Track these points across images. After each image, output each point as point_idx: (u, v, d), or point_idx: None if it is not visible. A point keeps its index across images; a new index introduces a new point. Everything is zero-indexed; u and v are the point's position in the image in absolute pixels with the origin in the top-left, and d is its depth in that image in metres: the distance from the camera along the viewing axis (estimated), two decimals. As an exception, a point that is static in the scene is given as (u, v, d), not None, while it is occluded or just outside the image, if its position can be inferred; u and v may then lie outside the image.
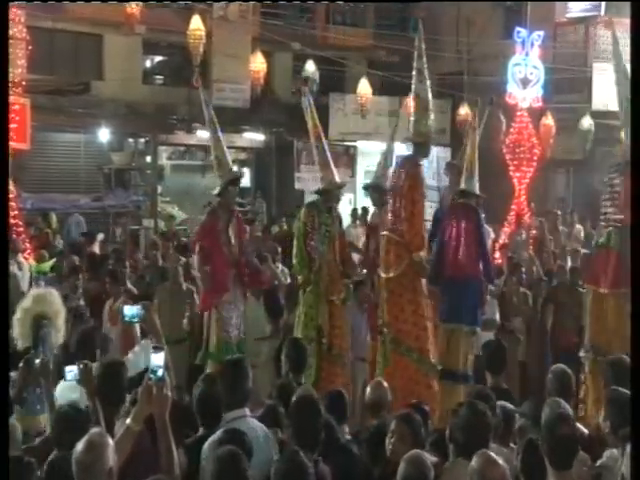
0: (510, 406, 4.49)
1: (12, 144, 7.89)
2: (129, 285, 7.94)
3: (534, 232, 11.22)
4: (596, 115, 14.78)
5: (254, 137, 17.23)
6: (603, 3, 15.96)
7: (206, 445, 3.61)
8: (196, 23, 12.91)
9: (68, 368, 3.95)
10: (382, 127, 15.57)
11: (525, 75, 11.83)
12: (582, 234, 12.38)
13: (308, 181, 15.58)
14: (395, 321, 5.86)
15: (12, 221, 9.10)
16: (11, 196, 9.18)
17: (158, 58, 18.17)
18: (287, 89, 18.07)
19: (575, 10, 16.36)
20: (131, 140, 16.98)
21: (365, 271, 7.26)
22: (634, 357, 4.10)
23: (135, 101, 15.56)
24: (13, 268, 8.14)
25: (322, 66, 16.26)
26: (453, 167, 7.52)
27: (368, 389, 4.71)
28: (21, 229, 10.31)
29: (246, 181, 16.92)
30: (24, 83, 10.47)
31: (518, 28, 12.28)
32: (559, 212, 12.47)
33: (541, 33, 12.07)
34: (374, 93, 15.91)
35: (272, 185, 17.88)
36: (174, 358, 4.59)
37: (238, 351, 6.15)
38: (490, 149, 8.09)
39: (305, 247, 6.43)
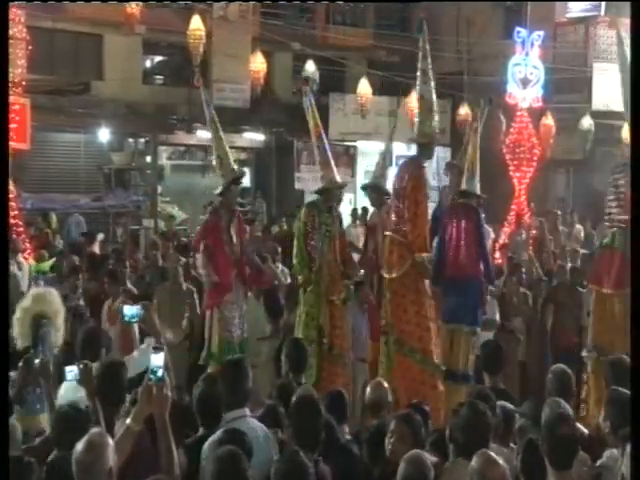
0: (510, 406, 4.49)
1: (12, 144, 7.88)
2: (129, 285, 7.94)
3: (534, 232, 11.22)
4: (596, 115, 14.79)
5: (254, 137, 17.23)
6: (603, 3, 15.96)
7: (206, 445, 3.61)
8: (196, 23, 12.90)
9: (68, 368, 3.95)
10: (382, 127, 15.57)
11: (525, 75, 11.82)
12: (582, 234, 12.38)
13: (308, 181, 15.58)
14: (398, 322, 5.86)
15: (12, 221, 9.09)
16: (11, 196, 9.17)
17: (158, 58, 18.17)
18: (287, 89, 18.07)
19: (575, 10, 16.36)
20: (131, 140, 16.97)
21: (363, 271, 7.24)
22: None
23: (135, 101, 15.55)
24: (13, 268, 8.13)
25: (322, 66, 16.25)
26: (453, 167, 7.51)
27: (368, 389, 4.71)
28: (21, 229, 10.30)
29: (246, 181, 16.91)
30: (24, 83, 10.46)
31: (518, 28, 12.27)
32: (559, 212, 12.47)
33: (541, 33, 12.07)
34: (374, 93, 15.90)
35: (272, 185, 17.88)
36: (174, 358, 4.59)
37: (240, 351, 6.15)
38: (490, 149, 8.08)
39: (305, 247, 6.42)
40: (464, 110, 15.45)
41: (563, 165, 15.99)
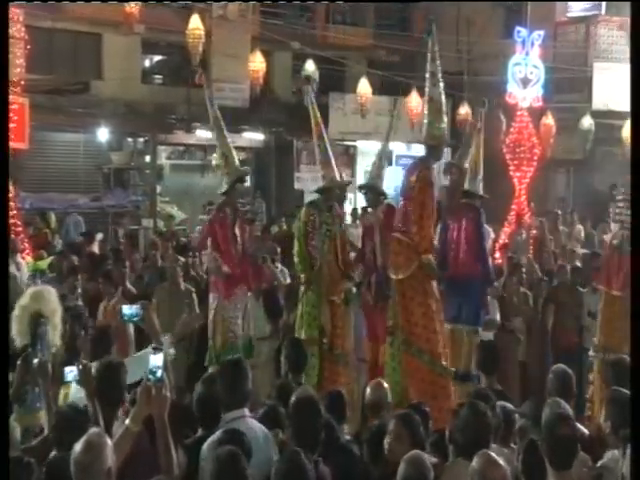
0: (510, 406, 4.48)
1: (11, 144, 7.84)
2: (128, 285, 7.92)
3: (534, 232, 11.20)
4: (596, 115, 14.78)
5: (253, 137, 17.20)
6: (603, 3, 15.96)
7: (205, 445, 3.60)
8: (195, 22, 12.87)
9: (68, 368, 3.96)
10: (382, 127, 15.49)
11: (525, 75, 11.80)
12: (582, 234, 12.36)
13: (308, 181, 15.57)
14: (406, 324, 5.86)
15: (10, 221, 9.07)
16: (10, 195, 9.15)
17: (157, 57, 18.15)
18: (287, 89, 18.06)
19: (575, 9, 16.36)
20: (130, 140, 16.95)
21: (362, 272, 7.21)
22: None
23: (134, 100, 15.53)
24: (11, 268, 8.10)
25: (322, 65, 16.23)
26: (453, 167, 7.50)
27: (368, 389, 4.70)
28: (20, 229, 10.30)
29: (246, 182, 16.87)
30: (23, 82, 10.47)
31: (518, 27, 12.24)
32: (559, 212, 12.45)
33: (541, 32, 12.04)
34: (374, 93, 15.89)
35: (272, 185, 17.86)
36: (172, 358, 4.58)
37: (244, 351, 6.13)
38: (490, 149, 8.08)
39: (306, 247, 6.41)
40: (464, 110, 15.44)
41: (563, 165, 15.98)
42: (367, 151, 17.23)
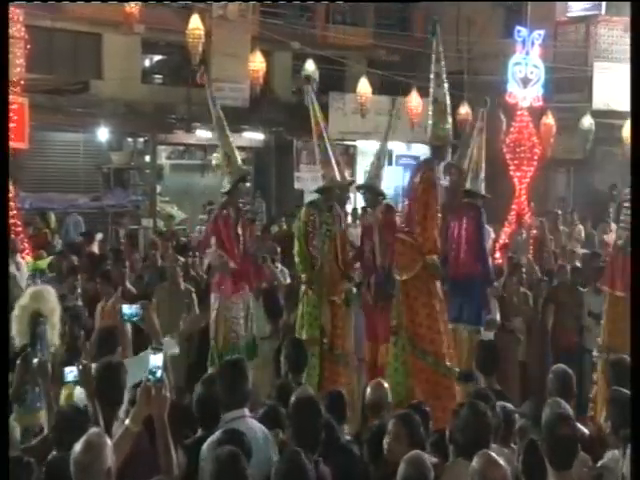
0: (510, 406, 4.47)
1: (10, 143, 7.84)
2: (128, 285, 7.91)
3: (534, 232, 11.20)
4: (597, 114, 14.76)
5: (253, 136, 17.20)
6: (604, 2, 15.94)
7: (205, 445, 3.60)
8: (195, 22, 12.86)
9: (68, 369, 3.95)
10: (382, 126, 15.39)
11: (525, 74, 11.79)
12: (582, 234, 12.35)
13: (308, 181, 15.56)
14: (410, 324, 5.86)
15: (10, 221, 9.06)
16: (10, 195, 9.14)
17: (157, 57, 18.14)
18: (287, 88, 18.05)
19: (576, 9, 16.34)
20: (130, 139, 16.94)
21: (361, 272, 7.21)
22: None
23: (134, 100, 15.52)
24: (11, 268, 8.10)
25: (322, 65, 16.23)
26: (452, 168, 7.50)
27: (368, 390, 4.70)
28: (19, 229, 10.29)
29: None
30: (23, 82, 10.46)
31: (518, 27, 12.23)
32: (559, 212, 12.44)
33: (541, 32, 12.03)
34: (374, 92, 15.89)
35: (271, 185, 17.86)
36: (172, 358, 4.57)
37: (248, 352, 6.12)
38: (490, 149, 8.09)
39: (307, 247, 6.41)
40: (464, 109, 15.43)
41: (564, 164, 15.96)
42: (367, 151, 17.21)
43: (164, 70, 17.85)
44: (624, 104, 9.09)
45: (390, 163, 17.83)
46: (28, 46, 10.58)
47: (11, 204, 9.58)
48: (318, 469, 3.52)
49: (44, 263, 9.18)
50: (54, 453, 3.59)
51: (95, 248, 10.69)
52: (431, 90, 6.09)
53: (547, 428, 3.46)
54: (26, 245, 10.21)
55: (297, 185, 16.87)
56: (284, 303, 7.22)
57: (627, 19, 11.29)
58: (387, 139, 7.31)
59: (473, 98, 13.66)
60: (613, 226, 12.38)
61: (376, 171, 7.05)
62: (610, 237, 11.84)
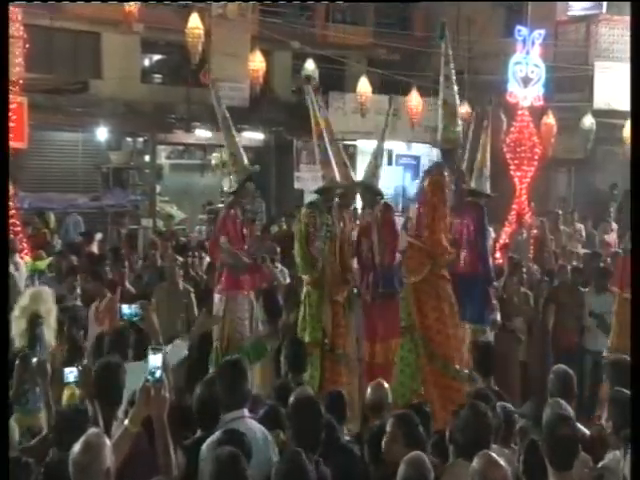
0: (511, 407, 4.46)
1: (10, 143, 7.83)
2: (127, 285, 7.90)
3: (535, 232, 11.18)
4: (597, 114, 14.74)
5: (253, 136, 17.18)
6: (604, 2, 15.93)
7: (205, 446, 3.59)
8: (195, 21, 12.84)
9: (68, 369, 3.96)
10: (382, 126, 15.49)
11: (526, 74, 11.77)
12: (583, 233, 12.34)
13: (308, 181, 15.54)
14: (421, 327, 5.84)
15: (9, 220, 9.05)
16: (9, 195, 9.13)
17: (157, 57, 18.12)
18: (286, 88, 18.04)
19: (576, 8, 16.33)
20: (129, 139, 16.93)
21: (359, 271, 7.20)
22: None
23: (133, 100, 15.51)
24: (10, 268, 8.08)
25: (322, 65, 16.21)
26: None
27: (368, 390, 4.69)
28: (18, 229, 10.28)
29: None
30: (22, 82, 10.44)
31: (519, 26, 12.22)
32: (560, 212, 12.42)
33: (542, 31, 12.02)
34: (374, 92, 15.86)
35: (271, 184, 17.84)
36: (172, 358, 4.55)
37: (255, 352, 6.10)
38: (491, 148, 8.11)
39: (308, 248, 6.39)
40: (464, 109, 15.39)
41: (564, 164, 15.94)
42: (367, 151, 17.16)
43: (163, 69, 17.84)
44: (625, 103, 9.06)
45: (390, 163, 17.82)
46: (27, 45, 10.57)
47: (10, 204, 9.56)
48: (318, 469, 3.51)
49: (43, 264, 9.16)
50: (53, 453, 3.58)
51: (94, 248, 10.67)
52: (440, 93, 6.07)
53: (547, 428, 3.46)
54: (25, 245, 10.20)
55: (297, 185, 16.85)
56: (284, 303, 7.20)
57: (628, 18, 11.25)
58: (384, 138, 7.31)
59: (473, 97, 13.62)
60: (614, 226, 12.38)
61: (373, 170, 7.05)
62: (611, 237, 11.84)
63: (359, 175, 7.24)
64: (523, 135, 11.73)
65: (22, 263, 9.17)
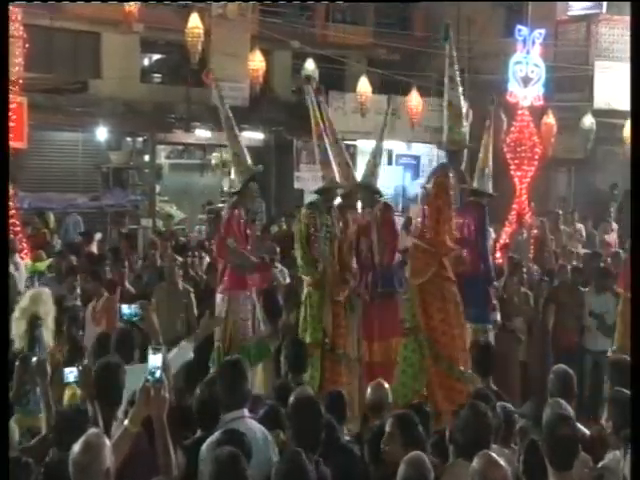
0: (511, 407, 4.45)
1: (9, 143, 7.83)
2: (127, 285, 7.89)
3: (535, 232, 11.18)
4: (598, 114, 14.73)
5: (253, 136, 17.16)
6: (604, 1, 15.92)
7: (204, 446, 3.59)
8: (194, 21, 12.83)
9: (68, 369, 3.96)
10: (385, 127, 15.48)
11: (526, 73, 11.77)
12: (583, 233, 12.33)
13: (308, 180, 15.54)
14: (426, 328, 5.84)
15: (9, 220, 9.04)
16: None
17: (156, 56, 18.12)
18: (286, 87, 18.03)
19: (576, 8, 16.32)
20: (129, 139, 16.92)
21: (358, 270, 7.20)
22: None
23: (133, 100, 15.50)
24: (10, 268, 8.08)
25: (322, 64, 16.22)
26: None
27: (369, 390, 4.68)
28: (18, 229, 10.27)
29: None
30: (21, 81, 10.44)
31: (519, 26, 12.22)
32: (560, 212, 12.41)
33: (542, 31, 12.01)
34: (374, 91, 15.86)
35: (271, 184, 17.83)
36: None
37: (259, 353, 6.08)
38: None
39: (310, 249, 6.38)
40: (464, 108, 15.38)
41: (564, 164, 15.93)
42: (367, 150, 17.13)
43: (163, 69, 17.83)
44: (625, 103, 9.05)
45: (390, 163, 17.82)
46: (27, 45, 10.56)
47: (10, 204, 9.56)
48: (318, 469, 3.51)
49: (43, 265, 9.16)
50: (52, 453, 3.57)
51: (94, 248, 10.66)
52: (445, 94, 6.07)
53: (547, 428, 3.46)
54: (25, 245, 10.19)
55: (297, 185, 16.84)
56: (284, 303, 7.20)
57: (628, 18, 11.26)
58: (383, 138, 7.32)
59: (474, 97, 13.62)
60: (614, 226, 12.37)
61: (372, 170, 7.05)
62: (611, 237, 11.83)
63: (359, 175, 7.26)
64: (523, 135, 11.72)
65: (22, 263, 9.17)
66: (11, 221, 9.52)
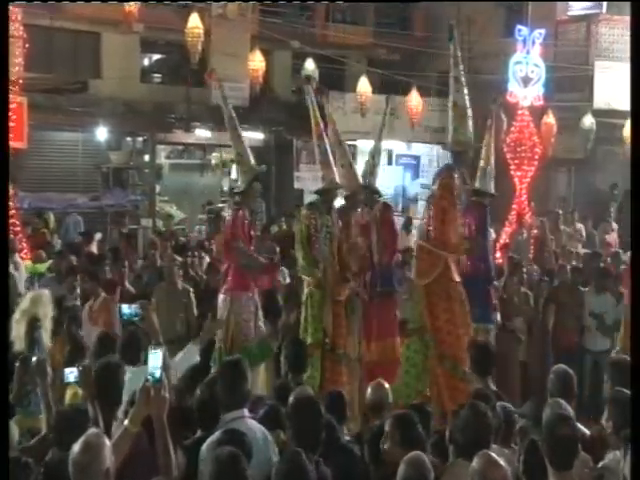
0: (511, 407, 4.45)
1: (9, 143, 7.82)
2: (127, 285, 7.89)
3: (535, 232, 11.17)
4: (598, 114, 14.71)
5: (253, 136, 17.14)
6: (605, 1, 15.91)
7: (205, 446, 3.58)
8: (194, 21, 12.83)
9: (68, 370, 3.96)
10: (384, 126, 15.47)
11: (526, 73, 11.78)
12: (583, 233, 12.33)
13: (307, 180, 15.54)
14: (431, 328, 5.85)
15: (9, 220, 9.04)
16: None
17: (156, 56, 18.12)
18: (286, 87, 18.03)
19: (576, 8, 16.31)
20: (129, 139, 16.92)
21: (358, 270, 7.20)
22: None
23: (133, 100, 15.50)
24: (10, 268, 8.08)
25: (321, 64, 16.21)
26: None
27: (369, 390, 4.67)
28: (18, 228, 10.28)
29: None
30: (21, 81, 10.44)
31: (519, 26, 12.23)
32: (560, 211, 12.41)
33: (542, 31, 12.02)
34: (374, 92, 15.84)
35: (271, 184, 17.83)
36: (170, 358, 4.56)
37: (262, 353, 6.09)
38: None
39: (310, 249, 6.38)
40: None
41: (564, 164, 15.92)
42: (367, 150, 17.16)
43: (163, 69, 17.83)
44: (625, 103, 9.05)
45: (390, 163, 17.82)
46: (27, 45, 10.56)
47: (10, 204, 9.56)
48: (319, 469, 3.51)
49: (43, 267, 9.16)
50: (52, 453, 3.57)
51: (94, 248, 10.66)
52: (450, 95, 6.07)
53: (547, 428, 3.46)
54: (25, 245, 10.19)
55: (297, 185, 16.84)
56: (284, 303, 7.19)
57: (628, 18, 11.26)
58: (381, 137, 7.31)
59: (474, 97, 13.61)
60: (614, 226, 12.37)
61: (371, 169, 7.05)
62: (611, 237, 11.83)
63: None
64: (523, 135, 11.73)
65: (22, 263, 9.17)
66: (11, 221, 9.53)
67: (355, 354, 6.58)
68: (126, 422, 3.24)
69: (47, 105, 13.50)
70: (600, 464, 3.88)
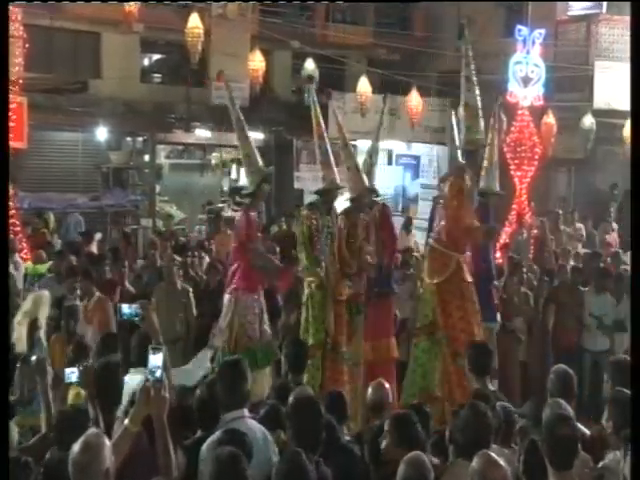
0: (511, 407, 4.45)
1: (9, 143, 7.82)
2: (127, 285, 7.89)
3: (535, 232, 11.17)
4: (598, 114, 14.70)
5: (253, 136, 16.98)
6: (605, 1, 15.90)
7: (205, 446, 3.58)
8: (194, 21, 12.82)
9: (69, 370, 3.95)
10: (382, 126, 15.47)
11: (526, 73, 11.78)
12: (583, 233, 12.33)
13: (307, 180, 15.53)
14: (445, 326, 5.85)
15: (9, 220, 9.04)
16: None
17: (156, 56, 18.11)
18: (286, 87, 18.03)
19: (576, 8, 16.30)
20: (129, 139, 16.92)
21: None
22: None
23: (133, 100, 15.49)
24: (10, 268, 8.08)
25: (322, 64, 16.21)
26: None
27: (369, 390, 4.68)
28: (18, 228, 10.28)
29: (245, 180, 16.81)
30: (21, 81, 10.44)
31: (519, 26, 12.23)
32: (560, 211, 12.41)
33: (542, 31, 12.03)
34: (374, 92, 15.83)
35: (271, 184, 17.83)
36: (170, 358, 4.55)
37: (266, 355, 6.08)
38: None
39: (313, 250, 6.37)
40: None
41: (564, 164, 15.91)
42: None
43: (163, 69, 17.82)
44: (625, 103, 9.05)
45: (390, 163, 17.80)
46: (27, 45, 10.56)
47: (10, 204, 9.56)
48: (319, 469, 3.51)
49: (43, 268, 9.16)
50: (52, 453, 3.57)
51: (94, 248, 10.66)
52: (462, 95, 6.07)
53: (547, 428, 3.45)
54: (25, 245, 10.19)
55: (297, 185, 16.82)
56: (283, 304, 7.19)
57: (628, 18, 11.25)
58: (379, 137, 7.30)
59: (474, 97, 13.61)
60: (614, 226, 12.37)
61: (369, 169, 7.05)
62: (611, 237, 11.83)
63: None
64: (523, 135, 11.73)
65: (22, 263, 9.18)
66: (11, 221, 9.53)
67: (360, 354, 6.58)
68: (126, 422, 3.24)
69: (47, 105, 13.49)
70: (600, 464, 3.88)
